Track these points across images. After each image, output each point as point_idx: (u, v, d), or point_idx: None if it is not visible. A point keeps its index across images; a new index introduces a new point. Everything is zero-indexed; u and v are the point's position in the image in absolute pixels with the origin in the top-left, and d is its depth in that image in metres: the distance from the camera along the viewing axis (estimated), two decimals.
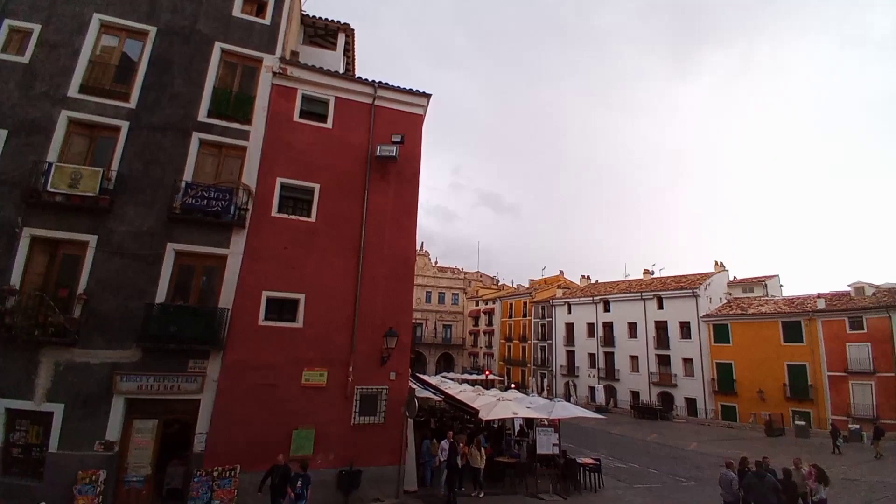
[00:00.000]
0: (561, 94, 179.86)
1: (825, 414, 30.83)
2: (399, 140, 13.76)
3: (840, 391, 30.82)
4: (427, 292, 58.32)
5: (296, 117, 13.44)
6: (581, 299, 49.11)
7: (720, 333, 37.52)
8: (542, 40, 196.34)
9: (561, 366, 49.33)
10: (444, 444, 12.55)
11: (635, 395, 41.35)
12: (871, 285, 34.73)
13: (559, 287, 55.37)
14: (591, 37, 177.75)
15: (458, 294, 61.44)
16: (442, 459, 12.49)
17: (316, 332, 12.11)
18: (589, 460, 14.91)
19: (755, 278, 46.51)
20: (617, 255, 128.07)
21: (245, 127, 12.75)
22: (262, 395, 11.24)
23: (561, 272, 63.20)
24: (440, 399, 17.23)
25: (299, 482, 9.35)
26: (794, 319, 33.91)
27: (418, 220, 14.67)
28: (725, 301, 41.21)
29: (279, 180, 12.77)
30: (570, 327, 49.22)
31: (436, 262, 64.19)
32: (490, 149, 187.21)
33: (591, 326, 47.08)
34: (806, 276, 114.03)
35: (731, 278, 46.18)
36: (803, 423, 29.43)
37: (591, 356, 46.31)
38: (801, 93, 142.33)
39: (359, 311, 12.63)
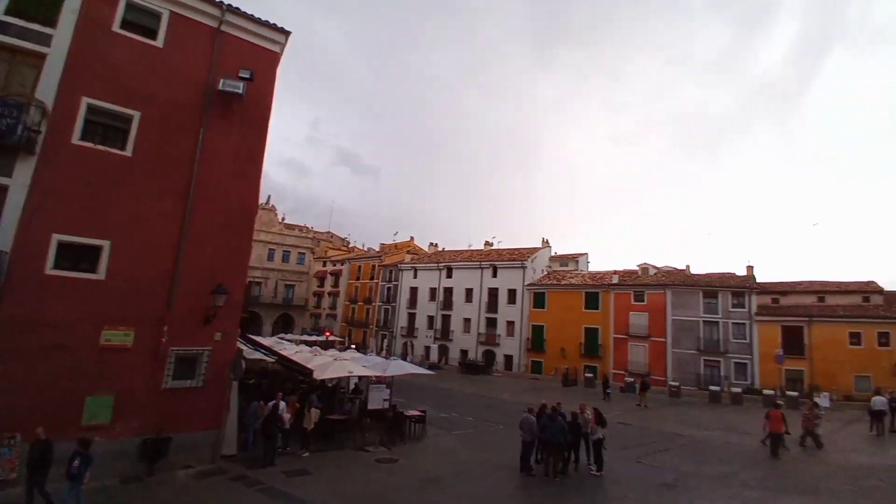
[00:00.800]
0: (432, 63, 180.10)
1: (609, 369, 38.27)
2: (248, 76, 12.31)
3: (622, 351, 38.48)
4: (270, 249, 54.75)
5: (115, 27, 11.11)
6: (427, 265, 51.56)
7: (538, 300, 43.36)
8: (423, 5, 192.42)
9: (402, 327, 51.53)
10: (271, 405, 12.25)
11: (464, 353, 45.59)
12: (654, 266, 43.69)
13: (408, 252, 57.13)
14: (466, 11, 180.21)
15: (304, 253, 58.98)
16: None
17: (123, 286, 10.51)
18: (416, 412, 16.13)
19: (570, 255, 54.55)
20: (464, 225, 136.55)
21: (47, 30, 10.13)
22: (49, 357, 9.46)
23: (412, 238, 65.07)
24: (273, 360, 16.63)
25: (76, 461, 7.85)
26: (594, 291, 40.92)
27: (265, 171, 13.55)
28: (545, 273, 47.52)
29: (85, 100, 10.48)
30: (414, 291, 51.45)
31: (283, 219, 60.35)
32: (354, 107, 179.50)
33: (433, 291, 49.92)
34: (610, 255, 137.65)
35: (553, 253, 53.31)
36: (591, 375, 36.10)
37: (431, 318, 49.31)
38: (632, 98, 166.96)
39: (182, 264, 11.28)
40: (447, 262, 50.45)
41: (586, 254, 55.24)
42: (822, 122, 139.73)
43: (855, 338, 31.76)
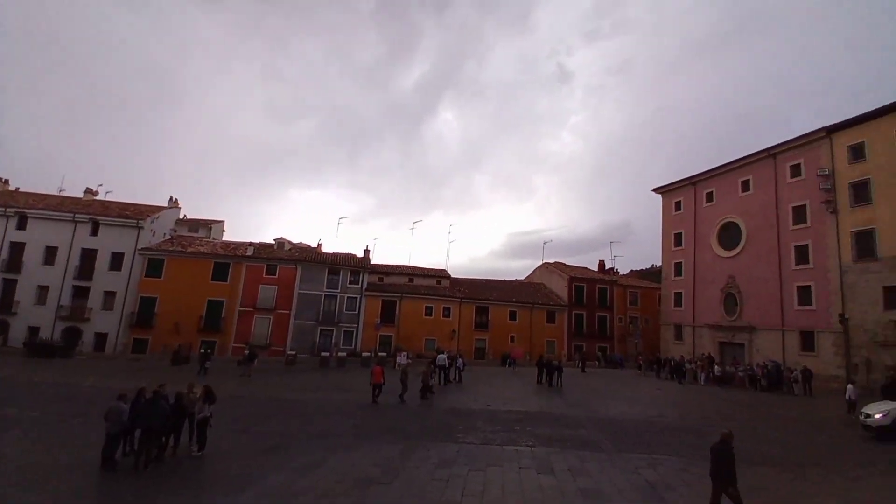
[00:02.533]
0: None
1: (230, 342, 36.69)
2: None
3: (245, 323, 37.63)
4: None
5: None
6: None
7: (154, 268, 37.18)
8: None
9: None
10: None
11: (34, 330, 34.02)
12: (290, 242, 44.78)
13: None
14: None
15: None
16: None
17: None
18: None
19: (204, 220, 49.35)
20: (61, 164, 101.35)
21: None
22: None
23: None
24: None
25: None
26: (225, 262, 38.47)
27: None
28: (169, 237, 41.24)
29: None
30: None
31: None
32: None
33: None
34: (250, 227, 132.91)
35: (183, 216, 46.82)
36: (209, 350, 33.56)
37: None
38: (292, 74, 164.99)
39: None
40: (21, 206, 36.24)
41: (223, 221, 51.37)
42: (433, 147, 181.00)
43: (428, 311, 42.42)
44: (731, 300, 35.65)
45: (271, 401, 18.73)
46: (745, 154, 36.02)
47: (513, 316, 44.55)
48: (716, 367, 30.28)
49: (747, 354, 33.09)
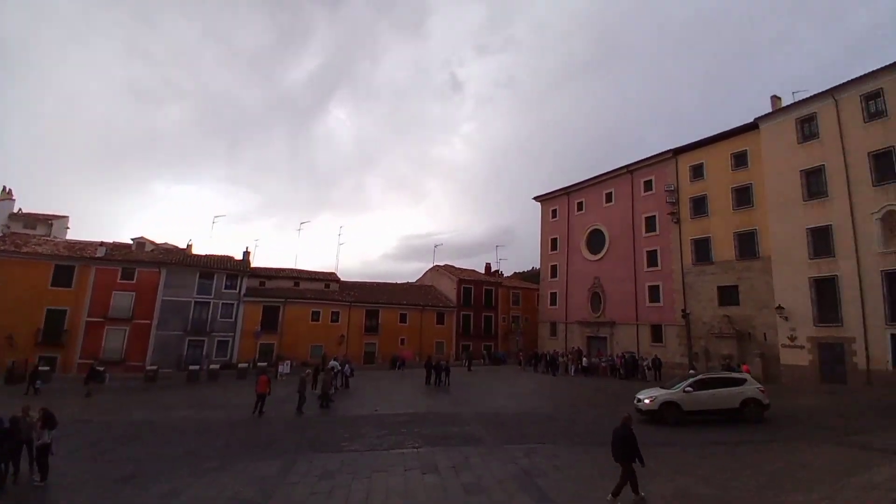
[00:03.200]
0: None
1: (74, 358, 31.24)
2: None
3: (95, 336, 32.33)
4: None
5: None
6: None
7: None
8: None
9: None
10: None
11: None
12: (152, 242, 39.57)
13: None
14: None
15: None
16: None
17: None
18: None
19: (42, 215, 41.62)
20: None
21: None
22: None
23: None
24: None
25: None
26: (69, 264, 32.74)
27: None
28: (0, 234, 34.03)
29: None
30: None
31: None
32: None
33: None
34: (103, 225, 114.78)
35: (17, 210, 39.12)
36: (48, 368, 28.26)
37: None
38: (161, 52, 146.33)
39: None
40: None
41: (67, 217, 43.65)
42: (324, 145, 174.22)
43: (316, 315, 40.58)
44: (596, 299, 39.76)
45: (126, 423, 16.31)
46: (609, 169, 40.58)
47: (403, 318, 44.62)
48: (583, 359, 33.53)
49: (609, 346, 37.15)
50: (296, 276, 43.93)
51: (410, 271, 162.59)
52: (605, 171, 40.96)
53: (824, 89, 25.39)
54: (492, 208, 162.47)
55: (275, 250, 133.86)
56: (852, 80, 24.18)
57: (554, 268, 45.26)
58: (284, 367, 31.47)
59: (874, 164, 22.88)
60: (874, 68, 23.34)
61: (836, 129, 24.62)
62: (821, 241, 24.58)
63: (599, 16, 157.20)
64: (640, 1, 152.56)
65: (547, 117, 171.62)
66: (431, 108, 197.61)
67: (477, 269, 56.34)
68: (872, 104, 23.44)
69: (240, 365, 32.48)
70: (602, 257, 39.97)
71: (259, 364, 32.78)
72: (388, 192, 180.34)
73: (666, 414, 15.23)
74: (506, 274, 60.17)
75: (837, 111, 24.67)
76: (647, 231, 36.06)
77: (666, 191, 34.30)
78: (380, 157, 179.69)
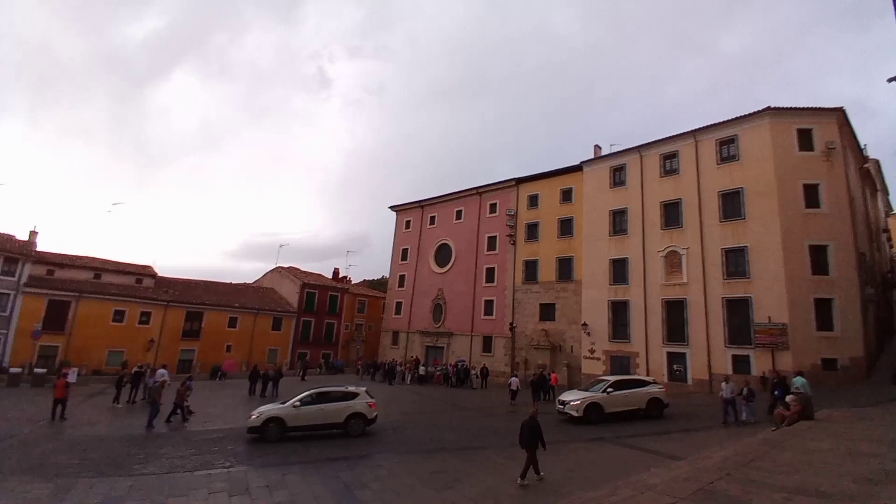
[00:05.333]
0: None
1: None
2: None
3: None
4: None
5: None
6: None
7: None
8: None
9: None
10: None
11: None
12: None
13: None
14: None
15: None
16: None
17: None
18: None
19: None
20: None
21: None
22: None
23: None
24: None
25: None
26: None
27: None
28: None
29: None
30: None
31: None
32: None
33: None
34: None
35: None
36: None
37: None
38: None
39: None
40: None
41: None
42: (159, 116, 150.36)
43: (119, 315, 34.19)
44: (438, 310, 41.40)
45: None
46: (462, 189, 43.03)
47: (233, 323, 40.38)
48: (420, 367, 34.42)
49: (445, 356, 38.89)
50: (98, 266, 36.59)
51: (250, 271, 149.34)
52: (458, 190, 43.28)
53: (634, 146, 30.77)
54: (347, 213, 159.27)
55: (76, 234, 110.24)
56: (654, 141, 29.74)
57: (402, 277, 45.89)
58: (71, 376, 25.70)
59: (664, 212, 28.28)
60: (672, 134, 29.05)
61: (639, 179, 29.90)
62: (619, 270, 29.43)
63: (467, 48, 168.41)
64: (503, 42, 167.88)
65: (410, 131, 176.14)
66: (294, 99, 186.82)
67: (324, 274, 54.20)
68: (668, 162, 29.08)
69: (11, 370, 25.60)
70: (447, 270, 41.86)
71: (36, 370, 26.32)
72: (233, 182, 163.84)
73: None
74: (354, 281, 59.03)
75: (641, 165, 30.04)
76: (488, 249, 38.92)
77: (507, 214, 37.59)
78: (228, 141, 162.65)
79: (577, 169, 33.96)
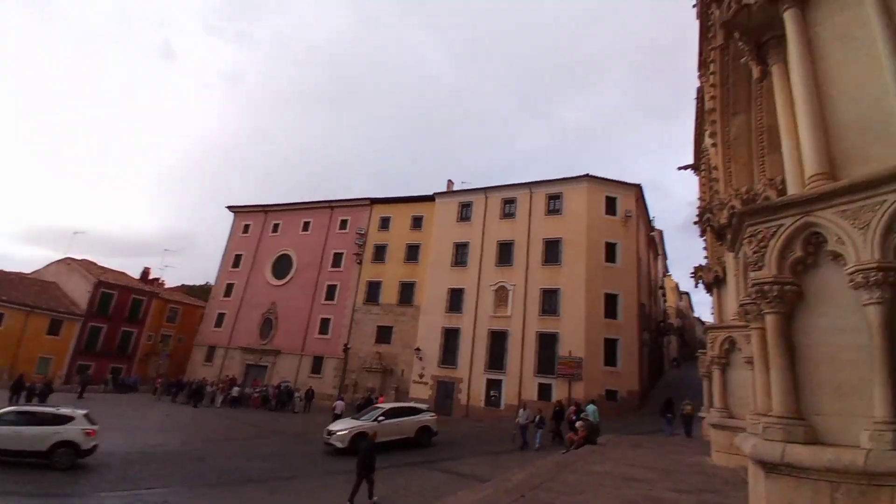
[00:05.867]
0: None
1: None
2: None
3: None
4: None
5: None
6: None
7: None
8: None
9: None
10: None
11: None
12: None
13: None
14: None
15: None
16: None
17: None
18: None
19: None
20: None
21: None
22: None
23: None
24: None
25: None
26: None
27: None
28: None
29: None
30: None
31: None
32: None
33: None
34: None
35: None
36: None
37: None
38: None
39: None
40: None
41: None
42: None
43: None
44: (267, 325, 38.13)
45: None
46: (314, 200, 41.14)
47: None
48: (235, 388, 30.86)
49: (268, 376, 35.76)
50: None
51: (29, 260, 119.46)
52: (310, 201, 41.30)
53: (481, 186, 33.34)
54: (174, 206, 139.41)
55: None
56: (498, 186, 32.75)
57: (231, 286, 41.30)
58: None
59: (499, 250, 30.87)
60: (513, 182, 32.28)
61: (482, 217, 32.30)
62: (455, 299, 31.03)
63: (339, 60, 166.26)
64: (376, 64, 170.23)
65: (265, 130, 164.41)
66: (128, 62, 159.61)
67: (129, 273, 45.73)
68: (508, 206, 32.02)
69: None
70: (285, 283, 39.06)
71: None
72: (5, 146, 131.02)
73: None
74: (170, 284, 51.12)
75: (486, 205, 32.55)
76: (333, 266, 37.53)
77: (357, 233, 36.96)
78: (33, 91, 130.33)
79: (430, 199, 35.31)
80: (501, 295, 29.77)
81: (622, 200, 29.82)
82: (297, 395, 29.86)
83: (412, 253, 34.65)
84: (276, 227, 42.02)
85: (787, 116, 4.67)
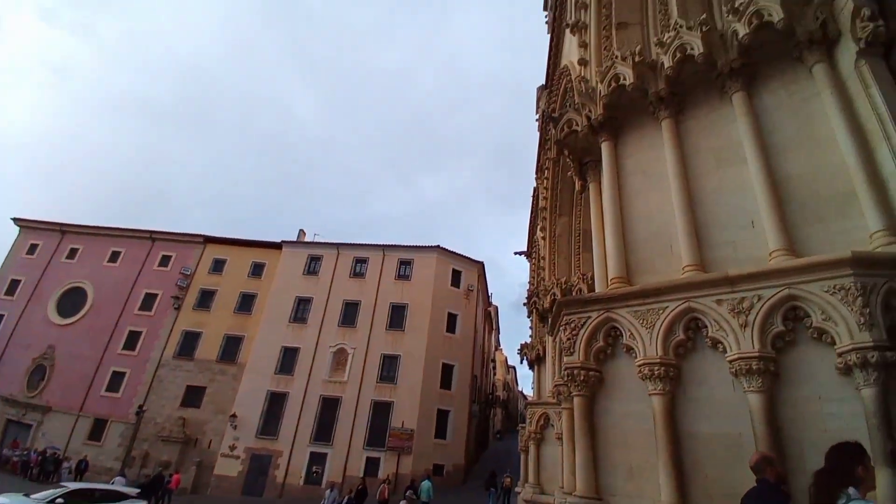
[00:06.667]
0: None
1: None
2: None
3: None
4: None
5: None
6: None
7: None
8: None
9: None
10: None
11: None
12: None
13: None
14: None
15: None
16: None
17: None
18: None
19: None
20: None
21: None
22: None
23: None
24: None
25: None
26: None
27: None
28: None
29: None
30: None
31: None
32: None
33: None
34: None
35: None
36: None
37: None
38: None
39: None
40: None
41: None
42: None
43: None
44: (39, 373, 29.88)
45: None
46: (132, 227, 35.20)
47: None
48: None
49: (32, 437, 27.51)
50: None
51: None
52: (126, 227, 35.17)
53: (334, 241, 32.54)
54: None
55: None
56: (352, 243, 32.28)
57: None
58: None
59: (344, 310, 29.72)
60: (367, 242, 32.18)
61: (331, 273, 31.14)
62: (288, 359, 28.46)
63: (197, 82, 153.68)
64: (239, 96, 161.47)
65: (84, 137, 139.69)
66: None
67: None
68: (359, 266, 31.50)
69: None
70: (72, 323, 31.56)
71: None
72: None
73: None
74: None
75: (337, 261, 31.61)
76: (141, 308, 31.71)
77: (182, 273, 32.29)
78: None
79: (276, 246, 33.08)
80: (341, 358, 28.37)
81: (466, 274, 31.91)
82: (66, 465, 23.49)
83: (246, 303, 31.34)
84: (73, 251, 34.51)
85: (598, 226, 5.59)
